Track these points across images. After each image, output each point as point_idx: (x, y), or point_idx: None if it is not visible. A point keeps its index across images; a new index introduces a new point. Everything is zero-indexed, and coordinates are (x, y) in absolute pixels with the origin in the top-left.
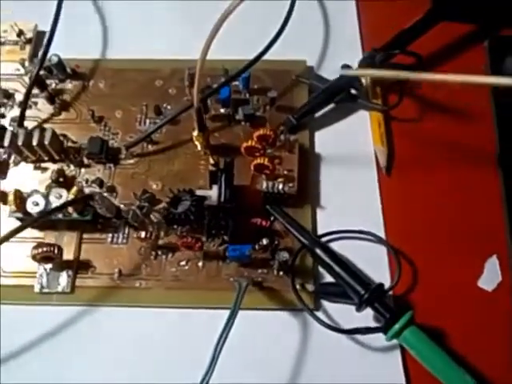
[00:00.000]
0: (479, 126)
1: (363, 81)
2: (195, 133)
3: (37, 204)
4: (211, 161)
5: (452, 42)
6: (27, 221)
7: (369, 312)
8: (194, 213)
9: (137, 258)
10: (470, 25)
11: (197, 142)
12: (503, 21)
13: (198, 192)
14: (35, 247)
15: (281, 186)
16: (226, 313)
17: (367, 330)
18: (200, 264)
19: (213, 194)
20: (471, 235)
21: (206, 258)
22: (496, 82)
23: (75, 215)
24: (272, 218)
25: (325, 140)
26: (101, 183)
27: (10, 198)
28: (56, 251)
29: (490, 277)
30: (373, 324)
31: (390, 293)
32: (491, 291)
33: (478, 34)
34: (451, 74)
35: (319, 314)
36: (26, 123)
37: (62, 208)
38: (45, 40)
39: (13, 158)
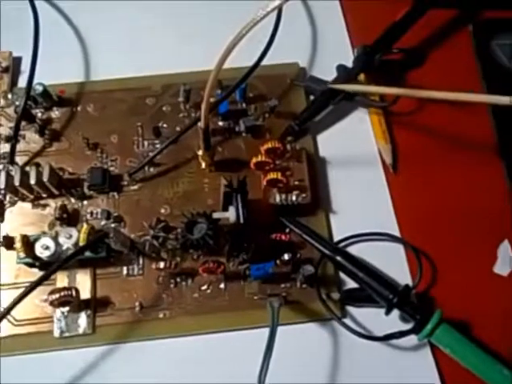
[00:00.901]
0: (476, 115)
1: (360, 78)
2: (200, 152)
3: (47, 247)
4: (223, 181)
5: (438, 28)
6: (51, 269)
7: (393, 314)
8: (212, 236)
9: (156, 288)
10: (454, 10)
11: (202, 161)
12: (487, 4)
13: (215, 215)
14: (51, 293)
15: (294, 198)
16: (255, 332)
17: (401, 334)
18: (222, 286)
19: (231, 215)
20: (481, 223)
21: (227, 279)
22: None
23: (89, 253)
24: (287, 230)
25: (327, 143)
26: (108, 215)
27: (18, 244)
28: (74, 294)
29: (504, 261)
30: (399, 324)
31: (414, 291)
32: (507, 275)
33: (462, 19)
34: (442, 91)
35: (347, 321)
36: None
37: (80, 252)
38: (25, 68)
39: (8, 197)
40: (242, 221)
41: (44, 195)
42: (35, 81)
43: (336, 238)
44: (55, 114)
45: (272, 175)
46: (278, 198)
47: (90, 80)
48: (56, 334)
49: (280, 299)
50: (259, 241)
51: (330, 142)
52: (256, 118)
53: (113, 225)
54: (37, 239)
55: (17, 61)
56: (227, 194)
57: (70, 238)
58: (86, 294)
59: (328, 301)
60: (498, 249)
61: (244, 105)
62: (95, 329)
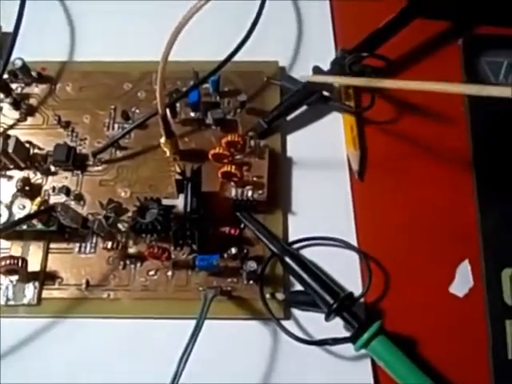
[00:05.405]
0: (454, 128)
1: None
2: (163, 140)
3: None
4: (177, 169)
5: (426, 39)
6: None
7: (340, 321)
8: (161, 222)
9: (105, 268)
10: (445, 22)
11: (165, 149)
12: (478, 19)
13: (165, 201)
14: None
15: (250, 193)
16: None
17: (335, 341)
18: (169, 273)
19: (179, 203)
20: (444, 240)
21: (175, 267)
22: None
23: (40, 226)
24: (242, 225)
25: (297, 144)
26: (67, 191)
27: None
28: (20, 264)
29: (461, 282)
30: (346, 332)
31: (362, 300)
32: (462, 297)
33: (452, 32)
34: (416, 81)
35: (290, 322)
36: None
37: (23, 221)
38: (7, 42)
39: None
40: (188, 209)
41: (11, 166)
42: (20, 56)
43: (291, 239)
44: (34, 90)
45: (226, 168)
46: (233, 193)
47: (73, 60)
48: (2, 301)
49: (216, 291)
50: (208, 231)
51: (300, 142)
52: (227, 111)
53: (73, 202)
54: None
55: (6, 36)
56: (179, 182)
57: (23, 209)
58: (36, 266)
59: (271, 301)
60: (457, 268)
61: (217, 98)
62: (40, 301)
